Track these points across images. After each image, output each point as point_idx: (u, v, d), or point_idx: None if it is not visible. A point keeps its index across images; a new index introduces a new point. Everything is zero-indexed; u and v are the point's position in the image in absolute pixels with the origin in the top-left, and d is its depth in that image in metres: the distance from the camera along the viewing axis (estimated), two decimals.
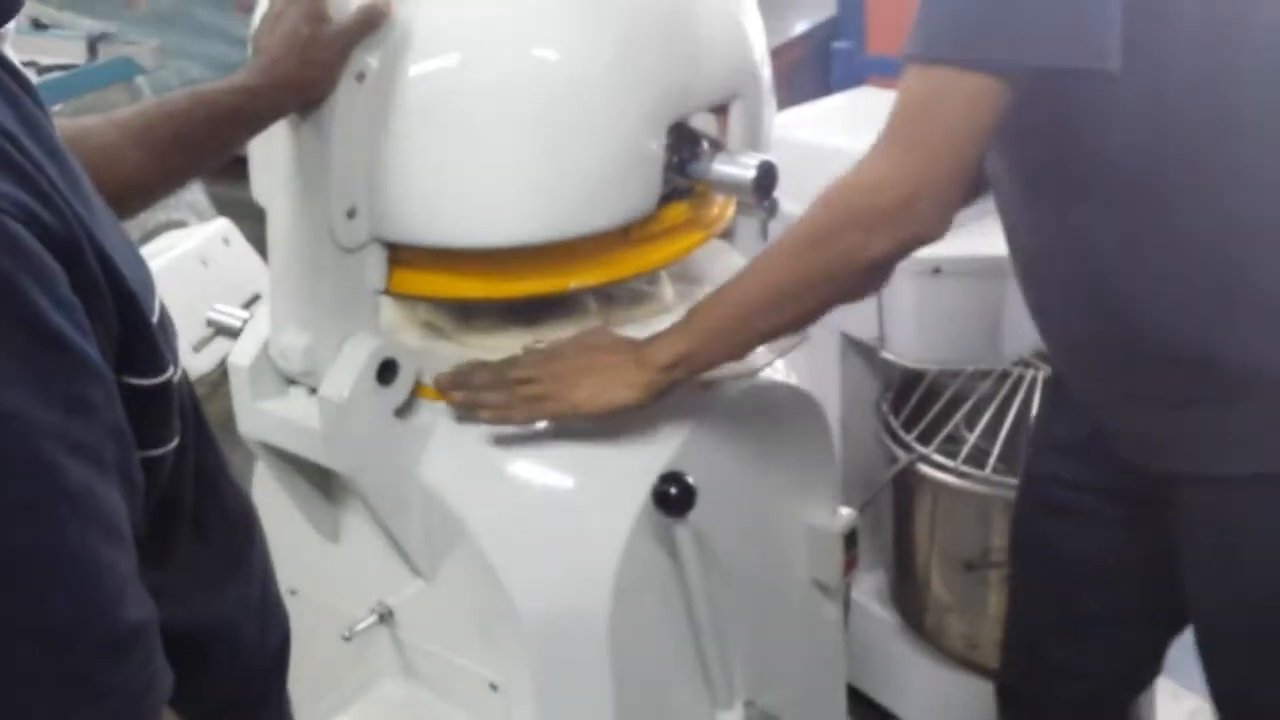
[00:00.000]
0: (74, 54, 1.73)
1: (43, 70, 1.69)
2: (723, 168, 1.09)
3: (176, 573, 0.66)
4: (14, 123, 0.56)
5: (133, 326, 0.59)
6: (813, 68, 3.24)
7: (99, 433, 0.54)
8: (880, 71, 2.91)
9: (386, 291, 1.10)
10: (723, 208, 1.21)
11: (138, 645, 0.56)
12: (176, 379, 0.63)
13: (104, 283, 0.57)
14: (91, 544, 0.53)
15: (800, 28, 3.40)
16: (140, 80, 1.76)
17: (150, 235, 1.56)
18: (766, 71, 1.20)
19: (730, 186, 1.11)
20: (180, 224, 1.60)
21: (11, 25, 0.63)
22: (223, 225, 1.52)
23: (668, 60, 1.06)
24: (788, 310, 1.06)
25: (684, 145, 1.10)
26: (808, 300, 1.06)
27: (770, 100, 1.22)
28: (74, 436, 0.53)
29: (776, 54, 3.63)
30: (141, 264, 0.64)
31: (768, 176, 1.10)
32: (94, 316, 0.55)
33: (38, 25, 2.21)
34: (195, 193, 1.65)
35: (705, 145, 1.10)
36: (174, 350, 0.64)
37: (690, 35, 1.09)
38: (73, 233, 0.55)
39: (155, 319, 0.62)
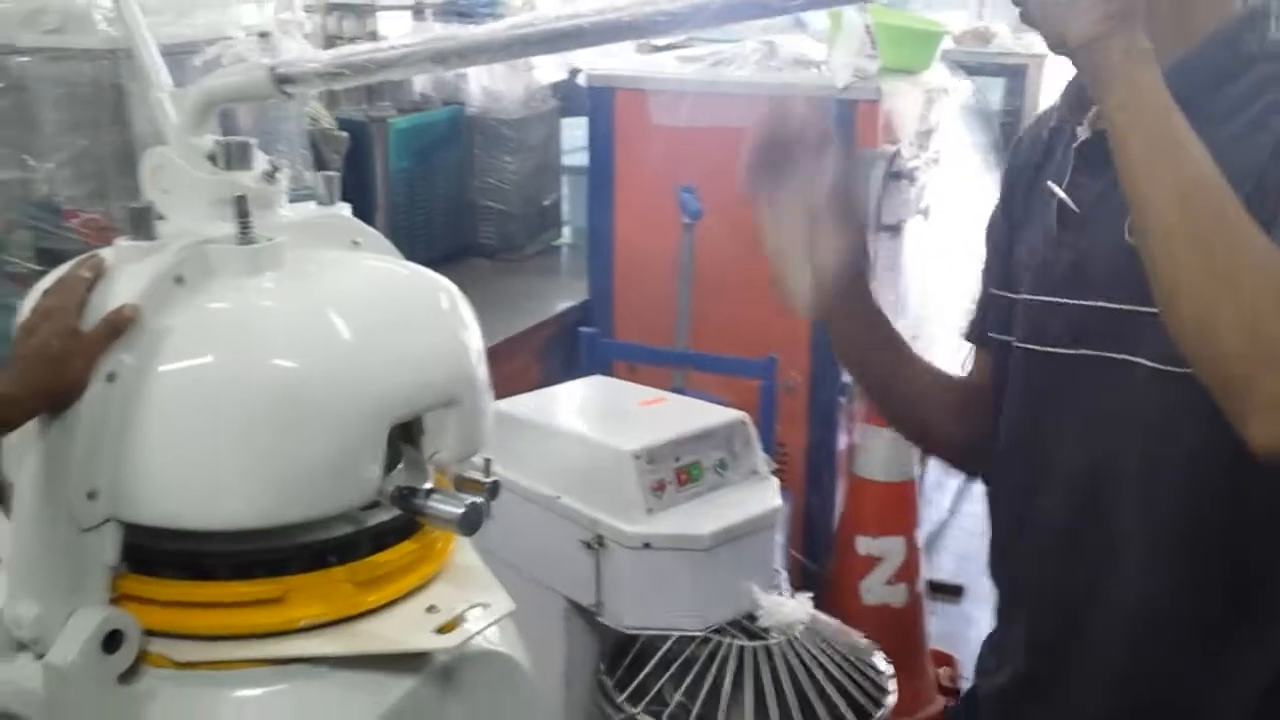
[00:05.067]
0: None
1: None
2: (437, 505, 1.22)
3: None
4: None
5: None
6: (568, 345, 3.45)
7: None
8: (627, 357, 3.16)
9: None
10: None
11: None
12: None
13: None
14: None
15: (560, 307, 3.63)
16: None
17: None
18: (482, 374, 1.34)
19: (442, 521, 1.22)
20: None
21: None
22: None
23: (390, 373, 1.20)
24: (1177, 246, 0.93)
25: (407, 484, 1.23)
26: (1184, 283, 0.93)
27: (486, 396, 1.36)
28: None
29: (535, 331, 3.86)
30: None
31: (474, 514, 1.21)
32: None
33: None
34: None
35: (426, 486, 1.24)
36: None
37: (412, 352, 1.24)
38: None
39: None
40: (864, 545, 3.04)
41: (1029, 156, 1.28)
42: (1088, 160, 1.15)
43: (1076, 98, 1.19)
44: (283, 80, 1.18)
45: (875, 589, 3.03)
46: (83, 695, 1.12)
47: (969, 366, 1.41)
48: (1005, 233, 1.29)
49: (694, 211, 2.87)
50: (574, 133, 3.89)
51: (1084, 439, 1.17)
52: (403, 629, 1.24)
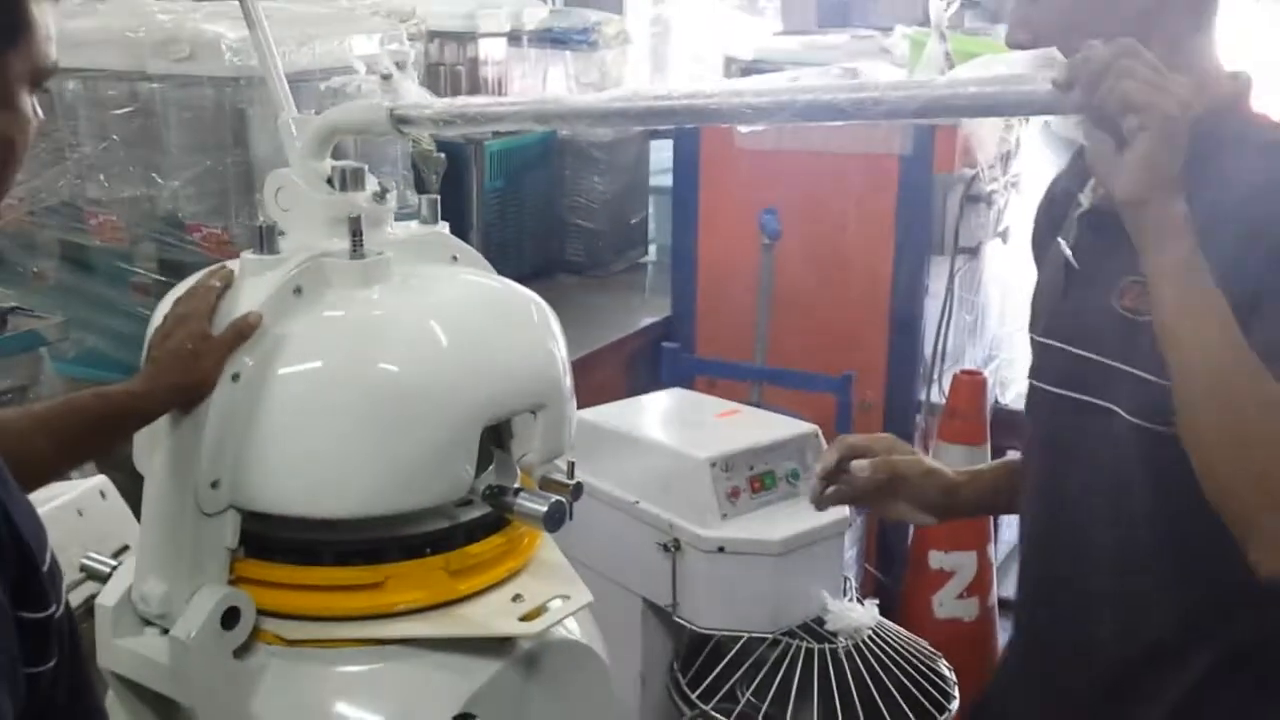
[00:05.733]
0: None
1: None
2: (524, 502, 1.30)
3: None
4: None
5: (26, 572, 0.76)
6: (652, 359, 3.52)
7: None
8: (706, 372, 3.23)
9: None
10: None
11: None
12: (59, 614, 0.80)
13: (6, 536, 0.74)
14: None
15: (644, 323, 3.70)
16: (43, 350, 1.94)
17: None
18: (567, 383, 1.43)
19: (528, 517, 1.30)
20: (64, 477, 1.75)
21: None
22: (100, 481, 1.67)
23: (484, 378, 1.29)
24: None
25: (498, 483, 1.32)
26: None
27: (571, 404, 1.44)
28: None
29: (619, 345, 3.92)
30: (37, 522, 0.81)
31: (557, 511, 1.30)
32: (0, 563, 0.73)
33: None
34: None
35: (514, 485, 1.33)
36: (58, 590, 0.81)
37: (504, 359, 1.33)
38: None
39: (45, 567, 0.79)
40: (936, 559, 3.07)
41: (1049, 212, 1.37)
42: (1090, 227, 1.24)
43: (1081, 167, 1.27)
44: (400, 121, 1.28)
45: (947, 603, 3.05)
46: (203, 667, 1.22)
47: None
48: (1039, 287, 1.38)
49: (773, 232, 2.93)
50: (662, 154, 3.97)
51: (1060, 470, 1.27)
52: (491, 615, 1.33)
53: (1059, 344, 1.25)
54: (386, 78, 1.24)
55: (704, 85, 1.14)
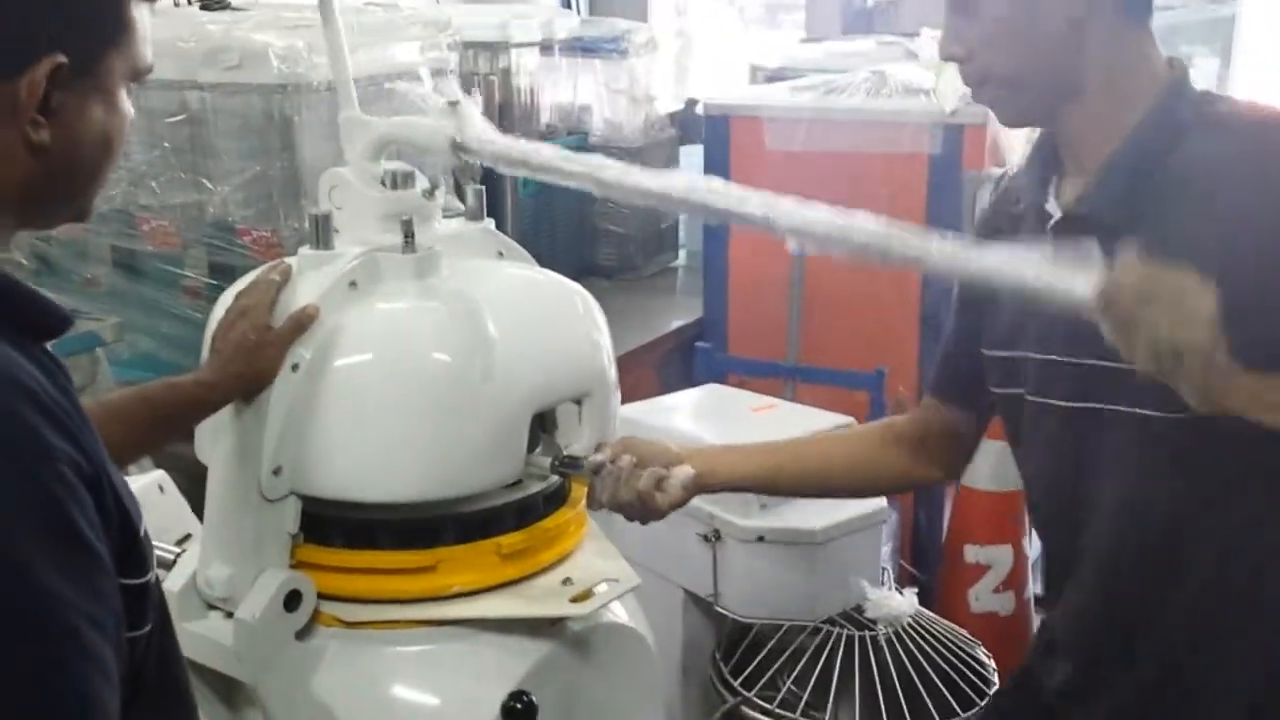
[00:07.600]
0: None
1: None
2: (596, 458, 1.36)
3: None
4: (59, 394, 0.78)
5: (128, 540, 0.80)
6: (683, 360, 3.54)
7: (106, 612, 0.74)
8: (739, 371, 3.25)
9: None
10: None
11: None
12: (153, 581, 0.84)
13: (113, 507, 0.78)
14: (98, 688, 0.72)
15: (675, 324, 3.72)
16: (99, 351, 1.99)
17: None
18: (612, 373, 1.46)
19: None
20: (124, 472, 1.79)
21: None
22: (159, 475, 1.70)
23: (533, 367, 1.32)
24: None
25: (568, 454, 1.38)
26: None
27: (615, 394, 1.47)
28: (91, 613, 0.72)
29: (651, 347, 3.92)
30: (132, 494, 0.85)
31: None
32: (107, 532, 0.76)
33: None
34: None
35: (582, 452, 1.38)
36: (152, 558, 0.85)
37: (551, 349, 1.36)
38: (97, 473, 0.76)
39: (142, 535, 0.83)
40: (972, 554, 3.07)
41: (1005, 213, 1.33)
42: (1065, 235, 1.18)
43: (1040, 176, 1.26)
44: (459, 148, 1.29)
45: (983, 596, 3.05)
46: (266, 648, 1.26)
47: (922, 413, 1.52)
48: (986, 297, 1.31)
49: None
50: (692, 159, 3.99)
51: (1079, 479, 1.25)
52: (541, 597, 1.36)
53: (1061, 358, 1.22)
54: (454, 104, 1.26)
55: (762, 196, 1.25)
